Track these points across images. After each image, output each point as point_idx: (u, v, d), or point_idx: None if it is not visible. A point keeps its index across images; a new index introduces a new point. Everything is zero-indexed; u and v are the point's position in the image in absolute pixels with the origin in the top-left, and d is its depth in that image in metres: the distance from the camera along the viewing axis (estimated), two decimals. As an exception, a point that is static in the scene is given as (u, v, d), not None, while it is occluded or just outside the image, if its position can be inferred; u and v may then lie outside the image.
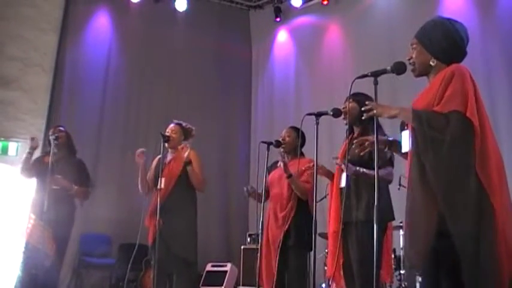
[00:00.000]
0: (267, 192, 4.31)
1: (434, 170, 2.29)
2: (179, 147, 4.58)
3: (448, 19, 2.63)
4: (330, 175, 3.66)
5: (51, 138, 4.80)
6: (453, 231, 2.21)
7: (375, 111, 2.48)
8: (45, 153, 4.99)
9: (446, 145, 2.27)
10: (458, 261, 2.19)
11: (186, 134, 4.72)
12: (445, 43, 2.53)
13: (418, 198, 2.37)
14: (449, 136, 2.27)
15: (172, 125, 4.68)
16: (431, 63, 2.55)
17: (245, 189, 4.26)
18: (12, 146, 7.06)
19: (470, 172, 2.24)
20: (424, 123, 2.32)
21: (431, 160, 2.31)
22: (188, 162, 4.45)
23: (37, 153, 5.08)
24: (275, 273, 3.99)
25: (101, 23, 8.05)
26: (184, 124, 4.74)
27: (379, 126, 3.20)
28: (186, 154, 4.42)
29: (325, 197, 4.54)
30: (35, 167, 4.87)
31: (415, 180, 2.39)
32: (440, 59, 2.53)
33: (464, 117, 2.27)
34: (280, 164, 4.00)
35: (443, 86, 2.37)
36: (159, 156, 4.62)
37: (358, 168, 3.30)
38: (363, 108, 2.54)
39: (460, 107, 2.29)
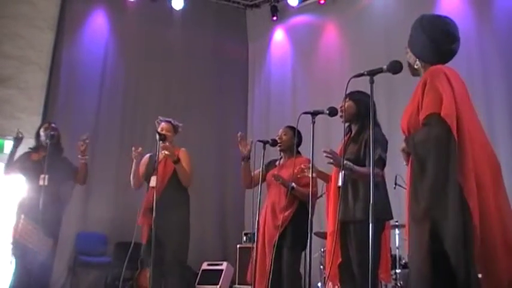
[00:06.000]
0: (262, 180, 4.35)
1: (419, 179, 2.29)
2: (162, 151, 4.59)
3: (425, 16, 2.56)
4: (326, 177, 3.66)
5: (46, 134, 4.76)
6: (443, 236, 2.19)
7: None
8: (32, 150, 4.95)
9: (432, 148, 2.25)
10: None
11: (175, 131, 4.74)
12: (423, 42, 2.47)
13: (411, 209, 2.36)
14: (433, 139, 2.24)
15: (163, 124, 4.68)
16: (415, 66, 2.52)
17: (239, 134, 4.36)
18: (8, 144, 7.02)
19: (450, 173, 2.20)
20: (411, 144, 2.33)
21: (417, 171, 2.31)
22: (176, 161, 4.46)
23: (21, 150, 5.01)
24: (269, 271, 3.98)
25: (98, 22, 8.03)
26: (173, 121, 4.75)
27: (376, 125, 3.23)
28: (164, 152, 4.38)
29: (321, 196, 4.55)
30: (22, 164, 4.83)
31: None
32: (423, 60, 2.49)
33: (440, 118, 2.22)
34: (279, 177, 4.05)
35: (422, 94, 2.33)
36: (149, 154, 4.64)
37: (345, 162, 3.25)
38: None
39: (436, 109, 2.24)
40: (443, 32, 2.47)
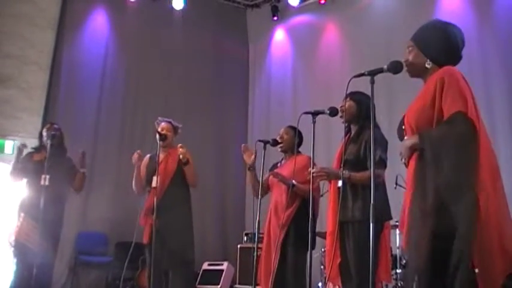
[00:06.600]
0: (267, 188, 4.33)
1: (441, 172, 2.26)
2: (177, 146, 4.58)
3: (446, 22, 2.62)
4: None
5: (47, 135, 4.76)
6: (454, 233, 2.20)
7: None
8: (34, 150, 4.95)
9: (453, 144, 2.26)
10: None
11: (175, 131, 4.74)
12: (441, 46, 2.52)
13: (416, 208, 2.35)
14: (455, 136, 2.26)
15: (164, 124, 4.68)
16: (426, 65, 2.53)
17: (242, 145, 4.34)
18: (9, 145, 7.04)
19: (471, 172, 2.22)
20: (427, 140, 2.32)
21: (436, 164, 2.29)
22: (186, 163, 4.45)
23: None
24: (274, 271, 3.98)
25: (98, 21, 8.03)
26: (173, 122, 4.75)
27: (375, 126, 3.22)
28: (181, 156, 4.41)
29: (323, 195, 4.55)
30: (24, 165, 4.83)
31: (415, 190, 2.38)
32: (436, 62, 2.52)
33: (467, 117, 2.26)
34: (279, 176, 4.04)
35: (439, 92, 2.35)
36: (149, 155, 4.65)
37: (344, 172, 3.27)
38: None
39: (462, 108, 2.28)
40: (460, 38, 2.56)
